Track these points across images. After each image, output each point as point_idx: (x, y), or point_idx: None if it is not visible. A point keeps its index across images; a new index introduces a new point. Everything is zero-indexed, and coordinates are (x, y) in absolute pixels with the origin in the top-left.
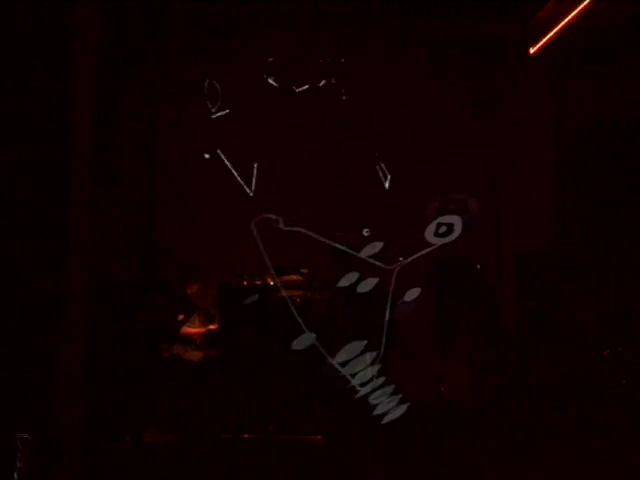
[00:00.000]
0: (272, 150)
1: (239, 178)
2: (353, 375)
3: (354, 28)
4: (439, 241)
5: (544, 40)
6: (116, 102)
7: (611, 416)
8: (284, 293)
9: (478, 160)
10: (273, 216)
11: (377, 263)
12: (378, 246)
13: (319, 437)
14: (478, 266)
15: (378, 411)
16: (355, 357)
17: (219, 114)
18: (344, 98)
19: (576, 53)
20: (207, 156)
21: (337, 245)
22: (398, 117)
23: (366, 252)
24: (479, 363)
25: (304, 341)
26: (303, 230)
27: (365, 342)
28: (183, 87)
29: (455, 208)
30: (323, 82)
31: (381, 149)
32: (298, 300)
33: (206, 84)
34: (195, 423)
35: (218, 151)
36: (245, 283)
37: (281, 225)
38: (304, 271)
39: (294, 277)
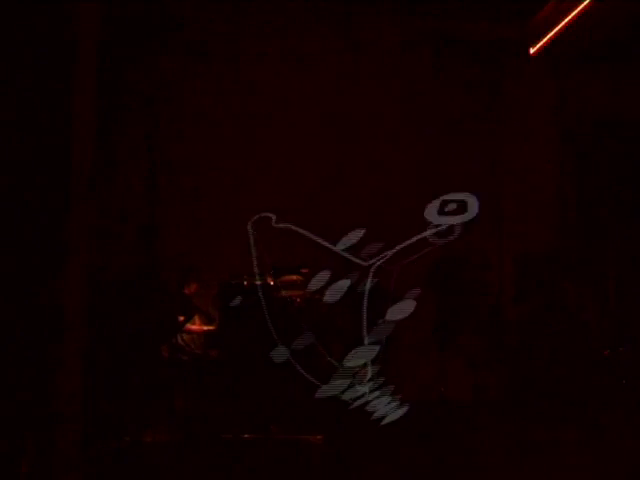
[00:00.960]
0: (272, 150)
1: None
2: (353, 375)
3: (354, 28)
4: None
5: (544, 40)
6: (117, 101)
7: (611, 416)
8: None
9: (478, 160)
10: (270, 215)
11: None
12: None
13: (319, 437)
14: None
15: (378, 412)
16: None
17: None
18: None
19: (576, 53)
20: None
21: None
22: (398, 117)
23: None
24: (479, 363)
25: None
26: (302, 230)
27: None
28: (184, 87)
29: (454, 209)
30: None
31: (381, 148)
32: (298, 300)
33: (205, 83)
34: (195, 423)
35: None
36: (245, 283)
37: (274, 223)
38: (304, 271)
39: (294, 277)
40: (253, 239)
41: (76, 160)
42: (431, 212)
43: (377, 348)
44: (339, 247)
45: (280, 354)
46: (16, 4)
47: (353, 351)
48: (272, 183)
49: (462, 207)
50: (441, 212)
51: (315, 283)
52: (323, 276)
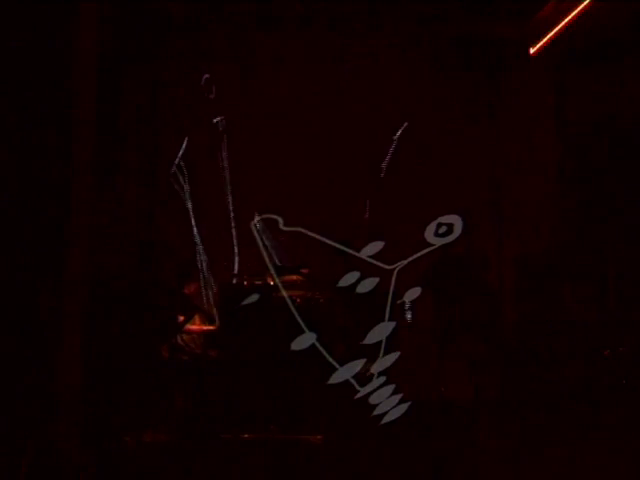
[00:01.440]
0: (271, 151)
1: None
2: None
3: (354, 28)
4: (439, 241)
5: (544, 40)
6: (117, 101)
7: (611, 416)
8: (284, 293)
9: (478, 160)
10: (273, 216)
11: (378, 263)
12: (379, 245)
13: (319, 437)
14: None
15: (378, 411)
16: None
17: (219, 118)
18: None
19: (576, 53)
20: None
21: (337, 245)
22: (398, 117)
23: (366, 252)
24: (479, 363)
25: (304, 341)
26: (303, 230)
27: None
28: (184, 87)
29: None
30: None
31: (381, 149)
32: (298, 300)
33: (203, 82)
34: (195, 423)
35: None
36: (245, 283)
37: (281, 225)
38: (304, 271)
39: (294, 277)
40: (257, 238)
41: (76, 160)
42: (428, 234)
43: (377, 348)
44: (363, 254)
45: (306, 340)
46: (16, 4)
47: (372, 329)
48: (272, 183)
49: (450, 229)
50: (436, 234)
51: (344, 282)
52: (354, 275)
